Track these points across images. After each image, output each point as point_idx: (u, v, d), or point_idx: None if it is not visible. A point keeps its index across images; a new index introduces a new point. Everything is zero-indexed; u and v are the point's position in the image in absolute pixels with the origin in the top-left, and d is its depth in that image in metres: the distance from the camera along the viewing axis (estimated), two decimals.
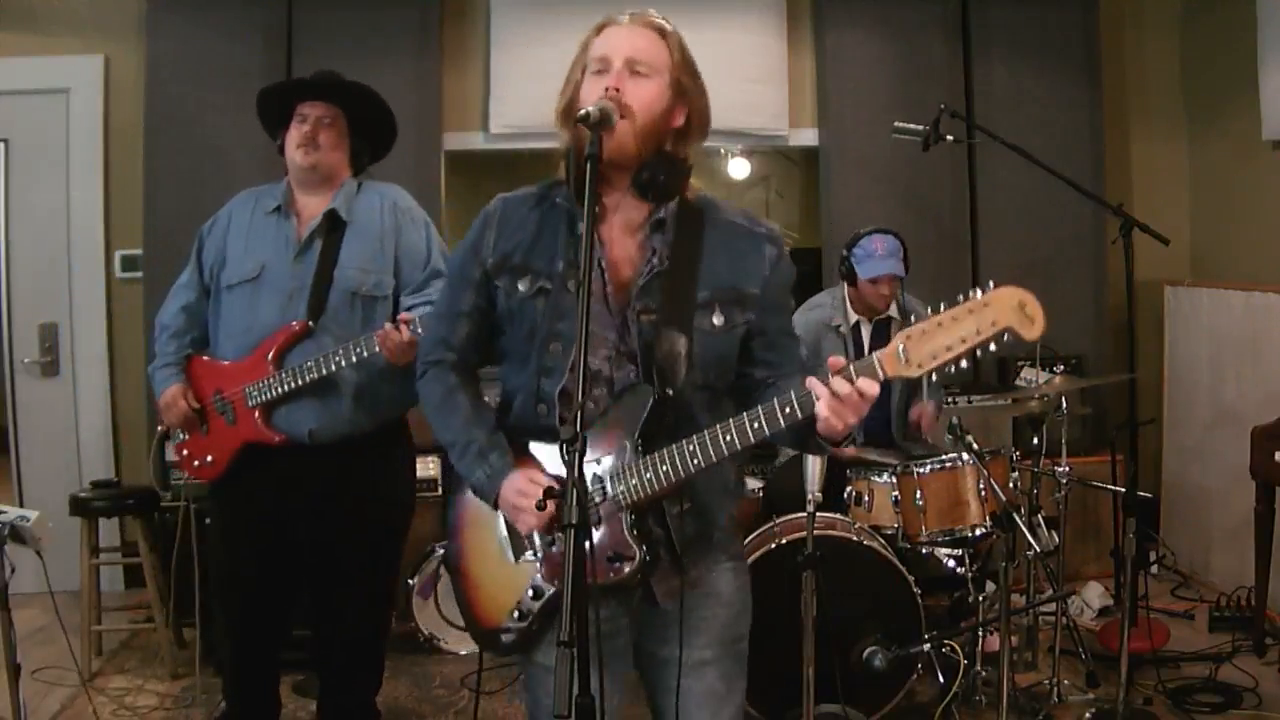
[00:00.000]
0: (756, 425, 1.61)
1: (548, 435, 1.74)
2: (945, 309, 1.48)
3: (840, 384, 1.53)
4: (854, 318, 3.64)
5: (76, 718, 3.30)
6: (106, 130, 4.45)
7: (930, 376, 1.49)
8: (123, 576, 4.40)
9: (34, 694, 3.30)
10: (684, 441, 1.65)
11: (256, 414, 2.72)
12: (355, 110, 2.82)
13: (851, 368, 1.54)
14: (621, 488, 1.68)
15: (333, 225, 2.77)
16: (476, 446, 1.77)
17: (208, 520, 3.40)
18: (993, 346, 1.46)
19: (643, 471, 1.67)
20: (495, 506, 1.75)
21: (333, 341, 2.71)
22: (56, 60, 4.43)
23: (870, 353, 1.56)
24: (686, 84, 1.76)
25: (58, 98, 4.43)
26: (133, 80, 4.40)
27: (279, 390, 2.69)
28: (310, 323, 2.70)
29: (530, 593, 1.75)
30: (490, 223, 1.81)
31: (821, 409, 1.54)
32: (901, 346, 1.51)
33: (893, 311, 3.64)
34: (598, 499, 1.69)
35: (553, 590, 1.73)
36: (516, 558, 1.77)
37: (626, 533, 1.69)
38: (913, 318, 3.68)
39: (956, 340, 1.47)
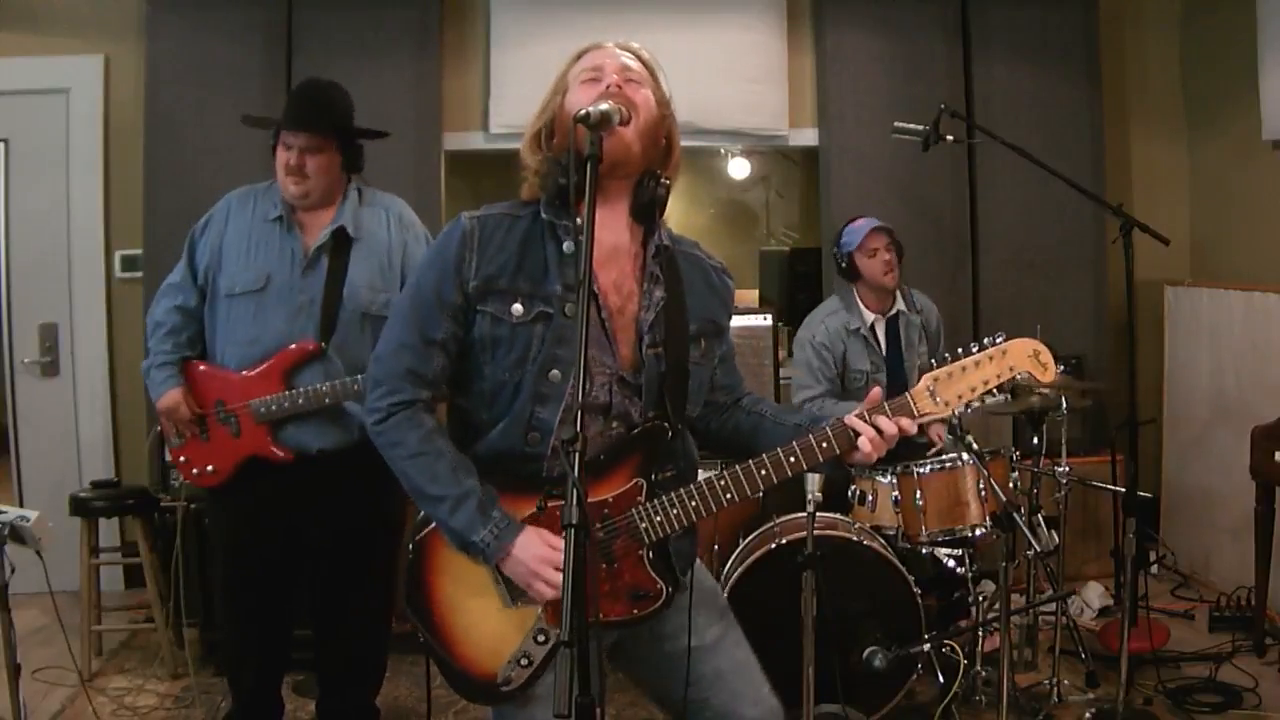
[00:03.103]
0: (793, 460, 1.70)
1: (533, 463, 1.70)
2: (964, 355, 1.71)
3: (887, 424, 1.69)
4: (869, 317, 3.65)
5: (76, 718, 3.30)
6: (106, 130, 4.45)
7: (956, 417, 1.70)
8: (123, 576, 4.40)
9: (34, 694, 3.29)
10: (714, 477, 1.69)
11: (264, 430, 2.71)
12: (340, 129, 2.79)
13: (887, 406, 1.70)
14: (645, 525, 1.69)
15: (339, 241, 2.75)
16: (474, 500, 1.65)
17: (207, 520, 3.41)
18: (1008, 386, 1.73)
19: (669, 509, 1.69)
20: (495, 565, 1.66)
21: (343, 363, 2.71)
22: (56, 60, 4.42)
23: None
24: (665, 105, 1.76)
25: (58, 98, 4.42)
26: (133, 80, 4.39)
27: (289, 410, 2.68)
28: (323, 344, 2.69)
29: (538, 637, 1.69)
30: (470, 243, 1.69)
31: (865, 444, 1.68)
32: (931, 388, 1.71)
33: (900, 305, 3.67)
34: (615, 535, 1.69)
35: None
36: (514, 601, 1.70)
37: (649, 569, 1.70)
38: (921, 315, 3.65)
39: (980, 383, 1.71)
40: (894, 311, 3.66)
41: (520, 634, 1.70)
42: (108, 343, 4.49)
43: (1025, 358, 1.73)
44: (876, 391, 1.74)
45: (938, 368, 1.73)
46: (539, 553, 1.62)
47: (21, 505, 3.52)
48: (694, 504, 1.69)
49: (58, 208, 4.43)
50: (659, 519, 1.69)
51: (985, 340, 1.73)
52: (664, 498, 1.70)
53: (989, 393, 1.72)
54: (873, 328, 3.64)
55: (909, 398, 1.71)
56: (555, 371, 1.67)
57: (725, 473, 1.69)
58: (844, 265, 3.65)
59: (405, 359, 1.71)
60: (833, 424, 1.71)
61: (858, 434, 1.69)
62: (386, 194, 2.91)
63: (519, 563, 1.63)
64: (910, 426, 1.70)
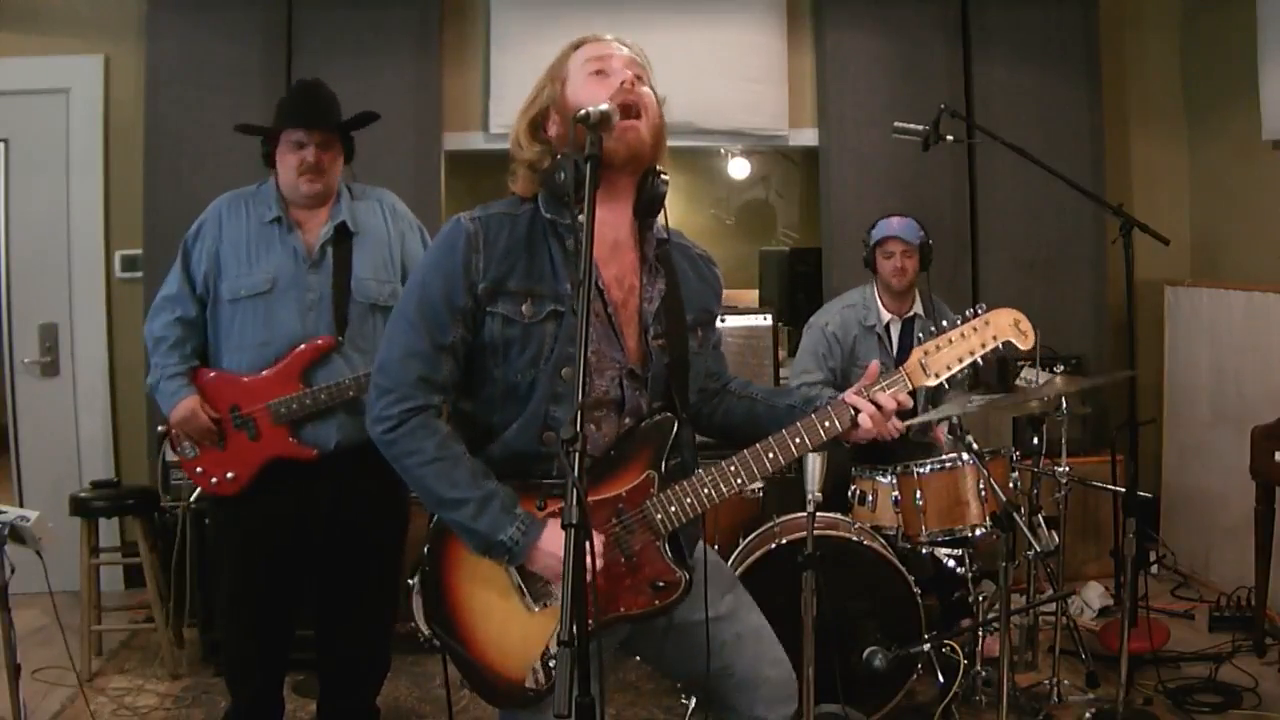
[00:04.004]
0: (799, 440, 1.72)
1: (546, 463, 1.70)
2: (947, 326, 1.80)
3: (886, 399, 1.73)
4: (886, 316, 3.65)
5: (76, 718, 3.30)
6: (106, 130, 4.45)
7: (945, 386, 1.81)
8: (123, 576, 4.40)
9: (34, 694, 3.29)
10: (724, 464, 1.69)
11: (284, 431, 2.71)
12: (351, 127, 2.81)
13: (883, 381, 1.76)
14: (660, 515, 1.69)
15: (341, 236, 2.76)
16: (499, 501, 1.65)
17: (207, 521, 3.41)
18: (991, 355, 1.81)
19: (682, 497, 1.69)
20: (523, 563, 1.66)
21: (358, 355, 2.71)
22: (56, 60, 4.42)
23: (898, 351, 1.89)
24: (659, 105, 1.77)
25: (58, 98, 4.42)
26: (133, 80, 4.40)
27: (312, 408, 2.68)
28: (339, 338, 2.69)
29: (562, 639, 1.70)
30: (475, 245, 1.67)
31: (865, 421, 1.72)
32: (920, 360, 1.78)
33: (918, 309, 3.67)
34: (632, 528, 1.69)
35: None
36: (536, 605, 1.70)
37: (667, 560, 1.71)
38: (935, 318, 3.68)
39: (965, 353, 1.79)
40: (911, 314, 3.66)
41: (544, 637, 1.69)
42: (108, 343, 4.49)
43: (1007, 326, 1.81)
44: (874, 366, 1.78)
45: (925, 341, 1.81)
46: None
47: (21, 505, 3.52)
48: (706, 491, 1.70)
49: (58, 208, 4.43)
50: (674, 509, 1.69)
51: (968, 312, 1.83)
52: (676, 487, 1.70)
53: (975, 362, 1.80)
54: (888, 327, 3.64)
55: (903, 372, 1.77)
56: (569, 369, 1.66)
57: (734, 458, 1.71)
58: (866, 254, 3.68)
59: (415, 366, 1.69)
60: (833, 403, 1.74)
61: (858, 411, 1.73)
62: (374, 187, 2.93)
63: (548, 555, 1.63)
64: (907, 401, 1.76)
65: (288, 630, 2.92)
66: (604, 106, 1.57)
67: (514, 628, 1.71)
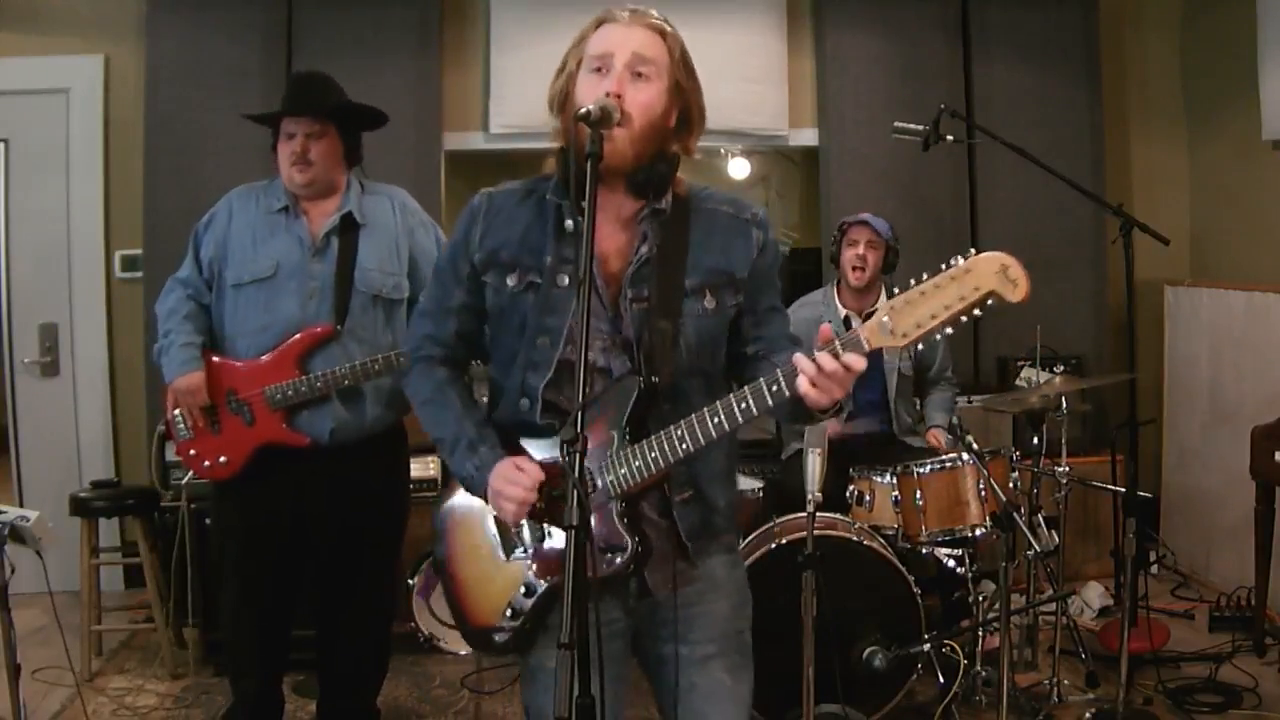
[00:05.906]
0: (744, 405, 1.59)
1: (530, 430, 1.74)
2: (927, 278, 1.46)
3: (826, 359, 1.50)
4: (843, 311, 3.66)
5: (76, 718, 3.30)
6: (106, 130, 4.45)
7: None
8: (123, 576, 4.40)
9: (34, 694, 3.29)
10: (671, 427, 1.64)
11: (279, 417, 2.72)
12: (340, 114, 2.80)
13: (837, 343, 1.51)
14: (611, 478, 1.68)
15: (347, 226, 2.76)
16: (467, 440, 1.76)
17: (208, 520, 3.41)
18: (977, 312, 1.44)
19: (631, 460, 1.66)
20: (485, 499, 1.74)
21: (357, 344, 2.71)
22: (56, 60, 4.43)
23: None
24: (684, 84, 1.75)
25: (58, 98, 4.42)
26: (133, 80, 4.40)
27: (307, 395, 2.68)
28: (337, 326, 2.70)
29: (523, 590, 1.74)
30: (477, 218, 1.78)
31: (803, 384, 1.51)
32: (885, 318, 1.48)
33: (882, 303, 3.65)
34: (590, 490, 1.67)
35: (545, 587, 1.72)
36: (507, 556, 1.76)
37: (618, 523, 1.68)
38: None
39: (940, 308, 1.45)
40: (873, 311, 3.64)
41: (512, 587, 1.75)
42: (108, 343, 4.49)
43: (992, 274, 1.42)
44: (826, 328, 1.57)
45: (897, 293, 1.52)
46: (503, 473, 1.68)
47: (21, 505, 3.52)
48: (653, 455, 1.65)
49: (58, 208, 4.43)
50: (623, 470, 1.67)
51: (952, 261, 1.47)
52: (628, 450, 1.67)
53: (955, 320, 1.45)
54: (846, 322, 3.63)
55: (859, 332, 1.51)
56: (544, 339, 1.71)
57: (682, 422, 1.63)
58: (833, 247, 3.69)
59: (425, 324, 1.88)
60: (784, 366, 1.57)
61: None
62: (387, 185, 2.93)
63: (491, 488, 1.70)
64: (857, 363, 1.49)
65: (287, 627, 2.93)
66: (606, 103, 1.59)
67: (488, 576, 1.79)
